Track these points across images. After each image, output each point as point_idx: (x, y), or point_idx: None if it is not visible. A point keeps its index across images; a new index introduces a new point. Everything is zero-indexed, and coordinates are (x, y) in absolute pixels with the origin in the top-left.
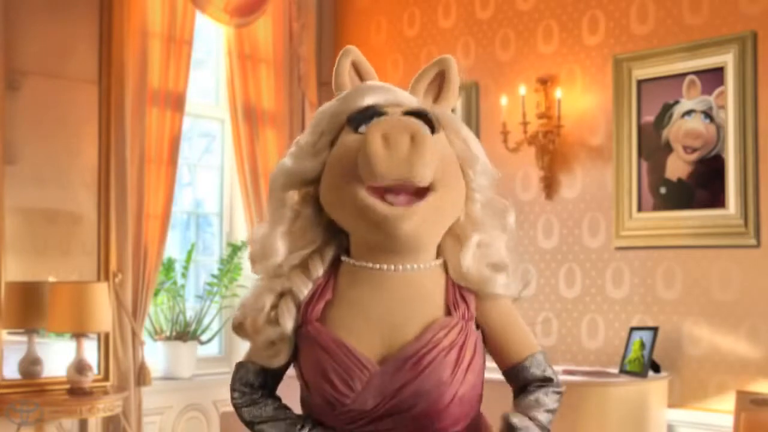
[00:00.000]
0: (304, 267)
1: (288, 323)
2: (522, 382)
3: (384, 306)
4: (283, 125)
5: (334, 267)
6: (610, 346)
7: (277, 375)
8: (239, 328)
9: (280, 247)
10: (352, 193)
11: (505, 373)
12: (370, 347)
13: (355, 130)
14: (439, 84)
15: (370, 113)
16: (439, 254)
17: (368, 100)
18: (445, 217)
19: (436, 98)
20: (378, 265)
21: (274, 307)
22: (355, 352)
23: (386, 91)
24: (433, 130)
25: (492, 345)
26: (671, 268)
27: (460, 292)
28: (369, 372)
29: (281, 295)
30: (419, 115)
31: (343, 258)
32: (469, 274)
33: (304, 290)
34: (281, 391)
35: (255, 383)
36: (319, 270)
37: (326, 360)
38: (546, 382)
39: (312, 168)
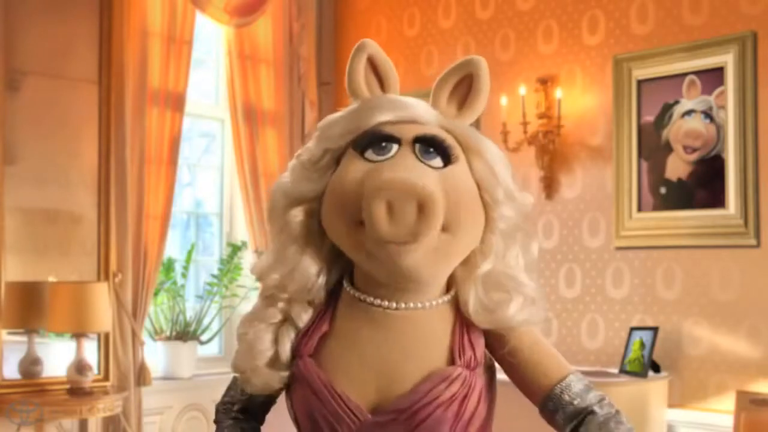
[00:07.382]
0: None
1: (286, 356)
2: (567, 415)
3: (382, 349)
4: (283, 125)
5: (335, 292)
6: (610, 346)
7: (265, 403)
8: (239, 372)
9: (286, 270)
10: (353, 234)
11: (542, 410)
12: (362, 393)
13: (362, 154)
14: (466, 88)
15: (379, 138)
16: (450, 285)
17: (379, 118)
18: (455, 256)
19: (461, 105)
20: (378, 301)
21: (274, 342)
22: (344, 398)
23: (399, 106)
24: (449, 160)
25: (516, 380)
26: (671, 268)
27: (468, 335)
28: (359, 421)
29: (280, 326)
30: (433, 142)
31: (345, 285)
32: (475, 314)
33: (305, 317)
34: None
35: (239, 406)
36: (321, 295)
37: (314, 402)
38: (590, 413)
39: (313, 189)
